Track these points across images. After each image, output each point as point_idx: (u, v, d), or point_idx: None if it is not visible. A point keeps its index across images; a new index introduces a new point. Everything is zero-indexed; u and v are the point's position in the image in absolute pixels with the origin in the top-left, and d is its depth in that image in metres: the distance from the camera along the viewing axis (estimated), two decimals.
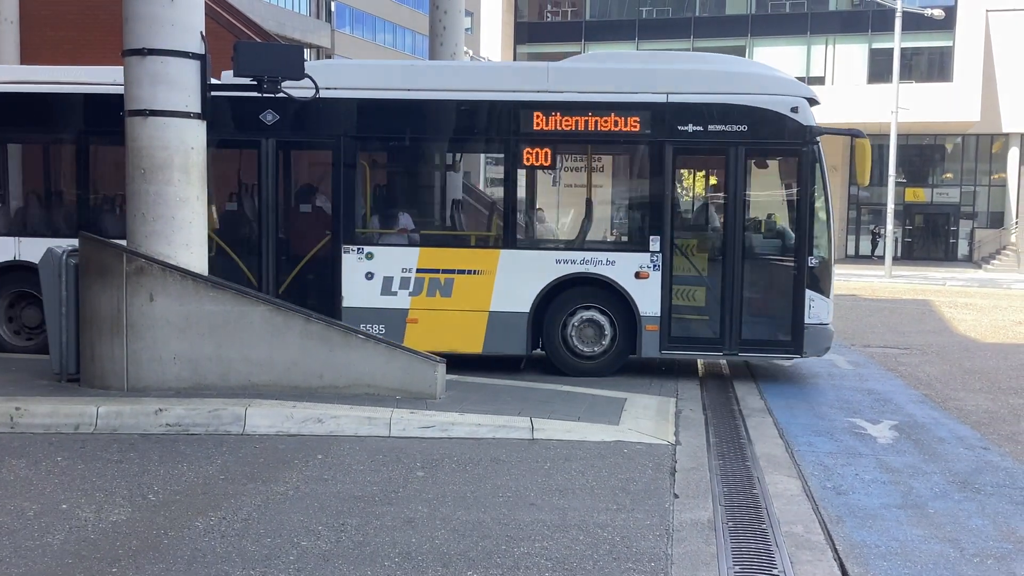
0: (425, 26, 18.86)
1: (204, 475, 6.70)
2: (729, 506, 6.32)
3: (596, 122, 10.54)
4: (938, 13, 32.91)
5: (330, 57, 58.01)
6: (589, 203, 11.12)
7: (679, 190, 10.96)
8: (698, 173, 12.23)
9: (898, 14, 31.55)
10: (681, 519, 5.95)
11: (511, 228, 10.87)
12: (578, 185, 11.48)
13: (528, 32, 45.15)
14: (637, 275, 10.52)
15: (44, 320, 9.78)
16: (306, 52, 48.98)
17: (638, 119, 10.52)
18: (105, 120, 10.40)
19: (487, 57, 42.26)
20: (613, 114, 10.50)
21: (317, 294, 10.81)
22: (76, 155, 11.28)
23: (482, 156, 11.39)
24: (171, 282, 8.55)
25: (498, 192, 11.35)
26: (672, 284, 10.56)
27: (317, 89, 9.33)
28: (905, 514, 6.24)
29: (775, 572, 5.23)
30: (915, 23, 33.91)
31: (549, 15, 46.95)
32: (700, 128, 10.46)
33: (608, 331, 10.70)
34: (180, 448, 7.40)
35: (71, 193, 11.46)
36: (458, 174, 12.32)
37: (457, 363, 10.09)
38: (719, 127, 10.44)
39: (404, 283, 10.72)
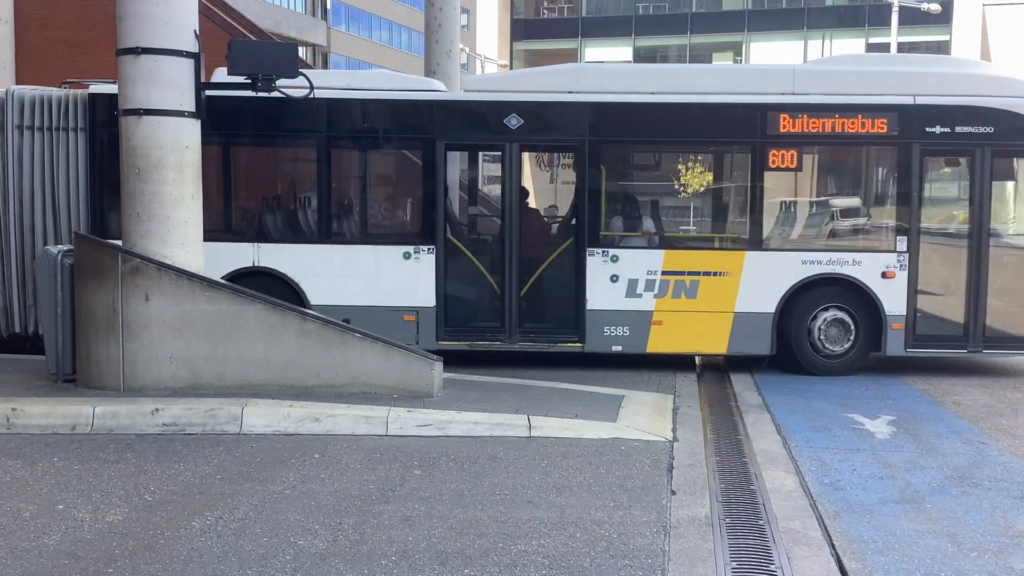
0: (421, 23, 18.81)
1: (201, 475, 6.69)
2: (726, 502, 6.32)
3: (842, 124, 10.77)
4: (935, 7, 32.88)
5: (325, 55, 58.04)
6: (834, 204, 11.49)
7: (925, 191, 11.11)
8: (943, 174, 12.16)
9: (895, 8, 31.54)
10: (678, 516, 5.95)
11: (757, 230, 11.08)
12: (822, 187, 11.76)
13: (525, 29, 45.15)
14: (883, 275, 10.77)
15: None
16: (301, 50, 49.02)
17: (885, 121, 10.76)
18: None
19: (483, 55, 42.22)
20: (860, 116, 10.72)
21: (560, 296, 11.04)
22: (313, 160, 11.22)
23: (725, 159, 11.54)
24: (167, 282, 8.54)
25: (741, 195, 11.42)
26: (917, 283, 10.82)
27: (312, 88, 9.33)
28: (902, 509, 6.24)
29: (772, 568, 5.23)
30: (911, 17, 33.94)
31: (546, 12, 46.94)
32: (947, 129, 10.70)
33: (852, 330, 10.95)
34: (176, 448, 7.39)
35: (312, 198, 11.33)
36: (706, 177, 12.15)
37: (454, 360, 10.11)
38: (966, 128, 10.69)
39: (649, 285, 10.89)
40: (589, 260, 10.89)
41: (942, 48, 40.11)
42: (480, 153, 11.75)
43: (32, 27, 18.44)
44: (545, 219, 11.81)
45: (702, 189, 11.64)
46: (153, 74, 8.47)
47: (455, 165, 11.42)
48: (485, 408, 8.38)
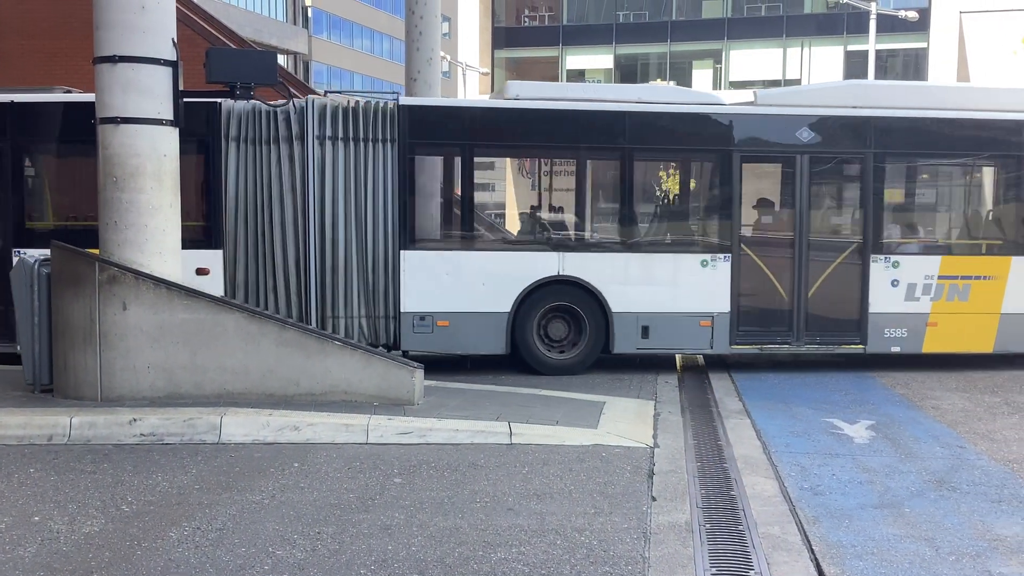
0: (403, 31, 18.80)
1: (178, 485, 6.64)
2: (707, 508, 6.33)
3: None
4: (912, 15, 33.15)
5: (307, 63, 57.93)
6: None
7: None
8: None
9: (872, 16, 31.77)
10: (659, 522, 5.95)
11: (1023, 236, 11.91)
12: None
13: (506, 37, 45.19)
14: None
15: (569, 333, 11.23)
16: (282, 58, 48.93)
17: None
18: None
19: (464, 63, 42.26)
20: None
21: (844, 301, 11.57)
22: (615, 172, 11.52)
23: (995, 171, 12.47)
24: (144, 291, 8.48)
25: (1011, 204, 12.19)
26: None
27: (289, 98, 9.34)
28: (881, 514, 6.26)
29: (752, 574, 5.24)
30: (889, 25, 34.17)
31: (527, 20, 47.00)
32: None
33: None
34: (154, 458, 7.33)
35: (614, 208, 11.72)
36: (977, 186, 12.74)
37: (435, 367, 10.09)
38: None
39: (926, 289, 11.54)
40: (872, 266, 11.51)
41: (920, 56, 40.43)
42: (771, 165, 12.15)
43: (9, 36, 18.33)
44: (830, 227, 12.28)
45: (972, 198, 12.41)
46: (131, 82, 8.43)
47: (748, 176, 11.81)
48: (466, 415, 8.36)
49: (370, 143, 10.86)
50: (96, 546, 5.43)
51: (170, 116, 8.64)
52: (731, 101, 11.85)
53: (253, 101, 10.28)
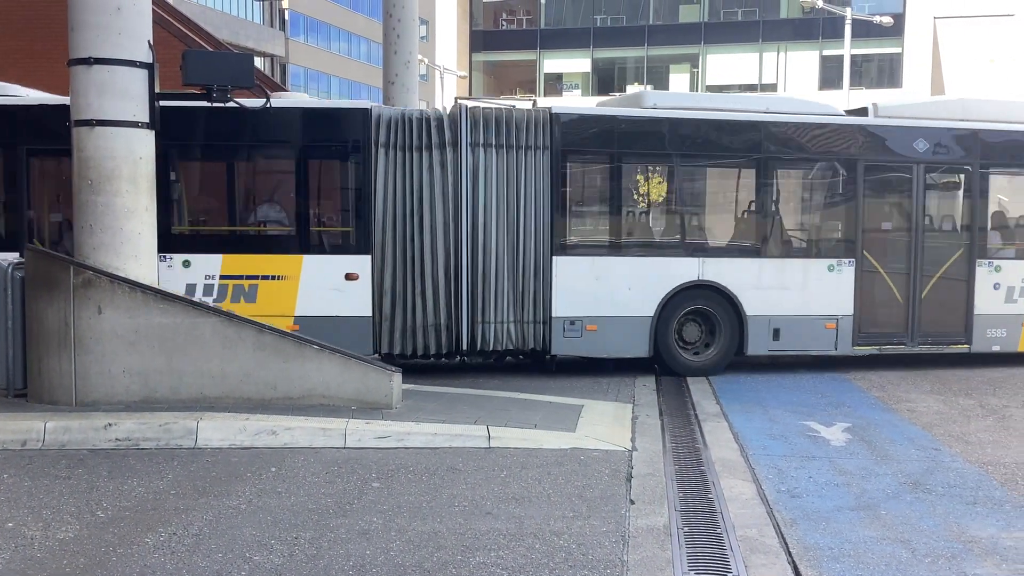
0: (380, 34, 18.77)
1: (154, 490, 6.58)
2: (685, 511, 6.34)
3: None
4: (887, 20, 33.44)
5: (283, 66, 57.71)
6: None
7: None
8: None
9: (848, 21, 32.03)
10: (637, 525, 5.96)
11: None
12: None
13: (483, 40, 45.24)
14: None
15: (701, 336, 11.77)
16: (259, 61, 48.70)
17: None
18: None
19: (442, 66, 42.25)
20: None
21: (952, 303, 12.33)
22: (750, 180, 12.04)
23: None
24: (120, 294, 8.41)
25: None
26: None
27: (268, 99, 9.31)
28: (858, 516, 6.30)
29: None
30: (865, 30, 34.49)
31: (504, 23, 47.07)
32: None
33: None
34: (130, 463, 7.27)
35: (750, 216, 12.10)
36: None
37: (412, 370, 10.07)
38: None
39: (1022, 292, 12.41)
40: (977, 270, 12.29)
41: (894, 60, 40.82)
42: (890, 173, 12.57)
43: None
44: (940, 233, 12.73)
45: None
46: (106, 85, 8.36)
47: (870, 184, 12.21)
48: (444, 419, 8.35)
49: (523, 150, 11.09)
50: (71, 552, 5.38)
51: (146, 119, 8.57)
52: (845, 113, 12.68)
53: (403, 108, 10.52)
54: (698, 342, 11.76)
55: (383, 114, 10.86)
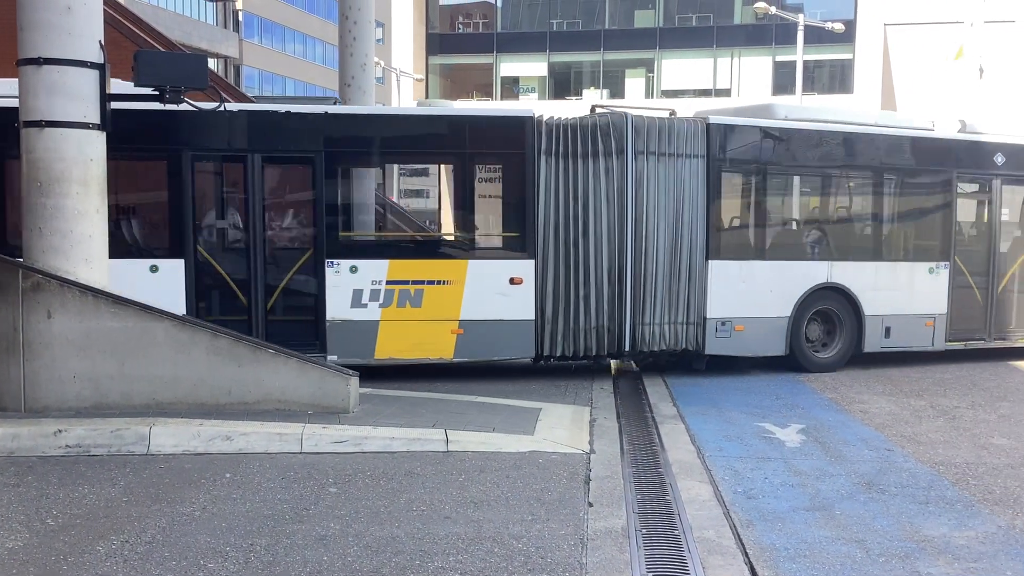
0: (335, 36, 18.63)
1: (106, 498, 6.47)
2: (643, 513, 6.37)
3: None
4: (838, 27, 33.91)
5: (237, 68, 57.14)
6: None
7: None
8: None
9: (800, 28, 32.44)
10: (595, 528, 5.97)
11: None
12: None
13: (440, 43, 45.17)
14: None
15: (820, 335, 12.60)
16: (212, 62, 48.12)
17: None
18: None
19: (398, 68, 42.10)
20: None
21: (1020, 300, 13.66)
22: (867, 188, 13.15)
23: None
24: (70, 298, 8.26)
25: None
26: None
27: (222, 102, 9.20)
28: (813, 516, 6.37)
29: None
30: (817, 36, 34.93)
31: (461, 26, 47.04)
32: None
33: None
34: (81, 470, 7.13)
35: (868, 222, 13.19)
36: None
37: (372, 375, 10.00)
38: None
39: None
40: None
41: (846, 66, 41.41)
42: (975, 184, 13.74)
43: None
44: (1010, 238, 14.05)
45: None
46: (56, 85, 8.21)
47: (960, 193, 13.40)
48: (402, 423, 8.31)
49: (680, 158, 11.58)
50: (20, 562, 5.26)
51: (97, 120, 8.43)
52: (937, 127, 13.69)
53: (563, 116, 11.23)
54: (817, 341, 12.62)
55: (545, 121, 11.19)
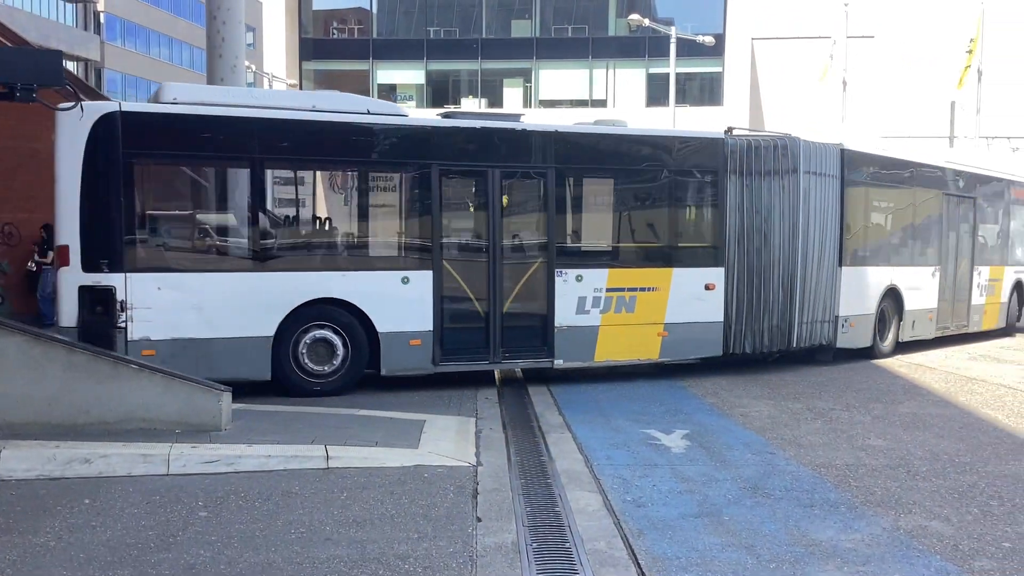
0: (203, 39, 17.90)
1: None
2: (533, 526, 6.17)
3: None
4: (708, 40, 34.73)
5: (99, 71, 54.84)
6: None
7: None
8: None
9: (672, 41, 33.09)
10: (485, 544, 5.74)
11: None
12: None
13: (314, 49, 44.29)
14: None
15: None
16: (72, 65, 45.98)
17: None
18: None
19: (271, 73, 41.08)
20: None
21: None
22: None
23: None
24: None
25: None
26: None
27: (78, 99, 8.62)
28: (702, 523, 6.29)
29: None
30: (688, 50, 35.71)
31: (336, 32, 46.26)
32: None
33: None
34: None
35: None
36: None
37: (248, 391, 9.52)
38: None
39: None
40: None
41: (715, 79, 42.51)
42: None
43: None
44: None
45: None
46: None
47: None
48: (279, 440, 7.90)
49: (826, 178, 13.52)
50: None
51: None
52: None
53: (747, 137, 12.83)
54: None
55: (731, 143, 12.68)
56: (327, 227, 11.44)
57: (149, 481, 7.00)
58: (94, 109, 9.79)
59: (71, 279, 9.63)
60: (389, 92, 44.21)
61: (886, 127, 35.45)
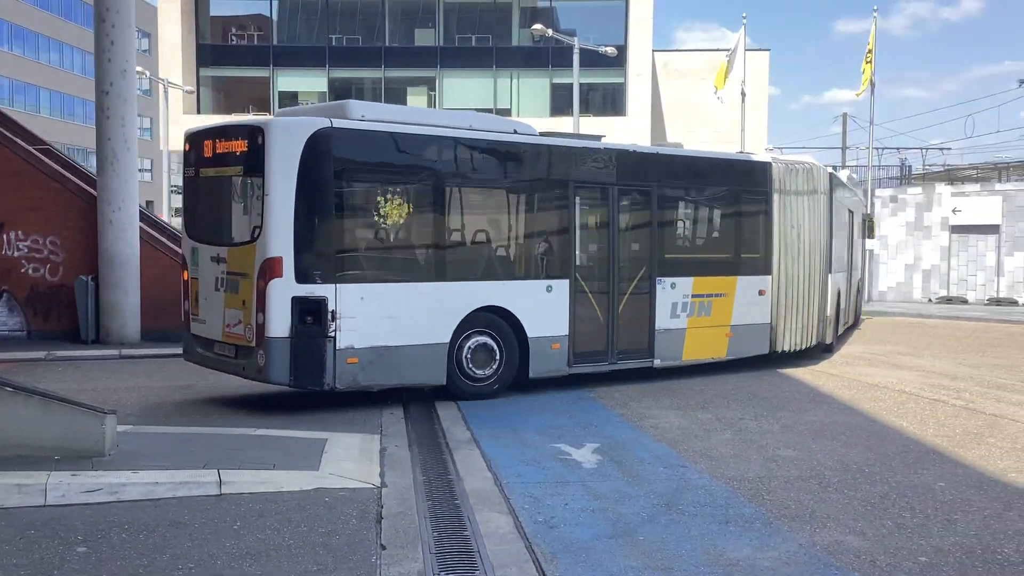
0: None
1: None
2: (440, 553, 5.85)
3: None
4: (611, 51, 34.92)
5: None
6: None
7: None
8: None
9: (576, 52, 33.19)
10: (389, 574, 5.39)
11: None
12: None
13: (211, 55, 43.17)
14: None
15: None
16: None
17: None
18: None
19: (167, 79, 39.84)
20: None
21: None
22: None
23: None
24: None
25: None
26: None
27: None
28: (617, 544, 6.06)
29: None
30: (591, 60, 35.87)
31: (234, 38, 45.14)
32: None
33: None
34: None
35: None
36: None
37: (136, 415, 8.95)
38: None
39: None
40: None
41: (617, 90, 42.88)
42: None
43: None
44: None
45: None
46: None
47: None
48: (168, 464, 7.39)
49: (825, 196, 15.81)
50: None
51: None
52: None
53: (787, 161, 15.30)
54: None
55: (775, 166, 14.72)
56: (488, 239, 12.00)
57: (24, 513, 6.44)
58: (308, 124, 10.14)
59: (284, 290, 9.86)
60: (291, 100, 43.35)
61: (781, 138, 36.23)
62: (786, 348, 14.81)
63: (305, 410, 10.37)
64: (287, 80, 43.59)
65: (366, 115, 10.83)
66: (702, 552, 5.90)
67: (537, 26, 33.61)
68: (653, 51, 42.77)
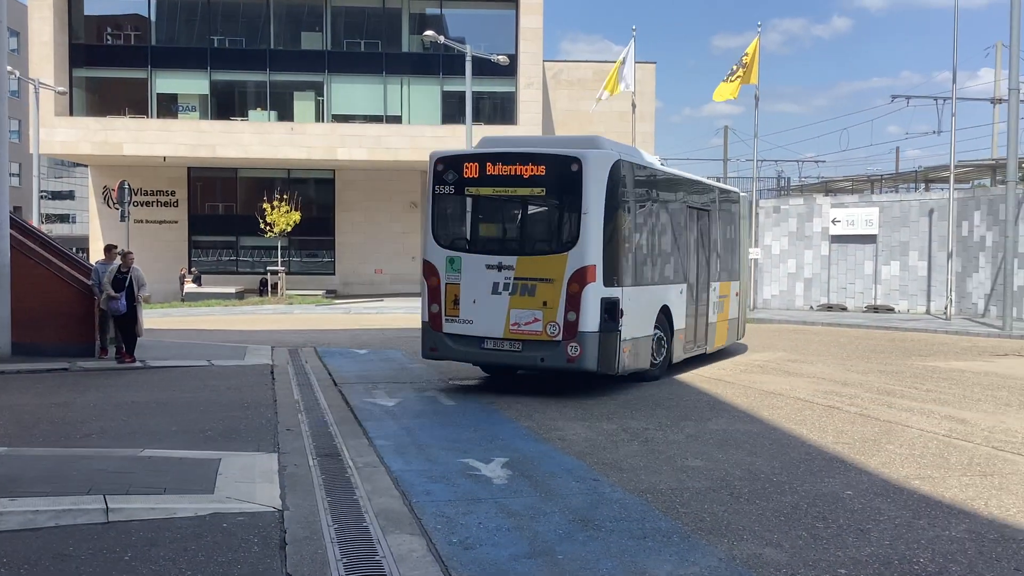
0: None
1: None
2: None
3: None
4: (503, 59, 34.91)
5: None
6: None
7: None
8: None
9: (468, 60, 33.02)
10: None
11: None
12: None
13: (85, 56, 41.29)
14: None
15: None
16: None
17: None
18: None
19: (38, 79, 37.92)
20: None
21: None
22: None
23: None
24: None
25: None
26: None
27: None
28: (536, 564, 5.84)
29: None
30: (481, 69, 35.75)
31: (110, 38, 43.33)
32: None
33: None
34: None
35: None
36: None
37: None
38: None
39: None
40: None
41: (507, 99, 42.88)
42: None
43: None
44: None
45: None
46: None
47: None
48: (48, 490, 6.83)
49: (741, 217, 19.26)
50: None
51: None
52: None
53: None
54: None
55: (742, 199, 19.15)
56: (679, 250, 15.14)
57: None
58: (609, 156, 12.30)
59: (596, 292, 11.89)
60: (170, 102, 41.85)
61: (666, 150, 36.84)
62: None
63: (196, 430, 9.82)
64: (166, 82, 42.03)
65: (611, 148, 12.78)
66: (623, 570, 5.72)
67: (428, 32, 33.32)
68: (545, 61, 42.92)
